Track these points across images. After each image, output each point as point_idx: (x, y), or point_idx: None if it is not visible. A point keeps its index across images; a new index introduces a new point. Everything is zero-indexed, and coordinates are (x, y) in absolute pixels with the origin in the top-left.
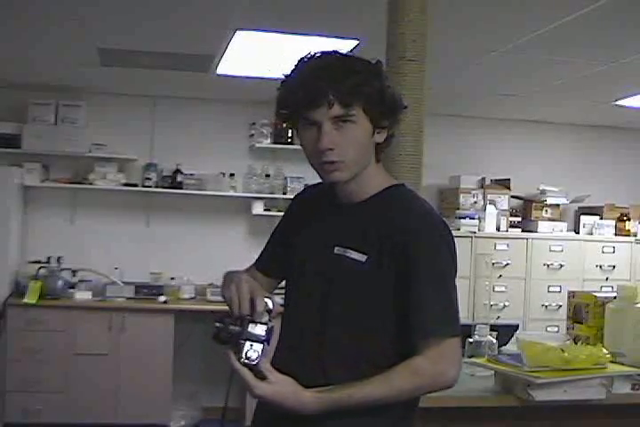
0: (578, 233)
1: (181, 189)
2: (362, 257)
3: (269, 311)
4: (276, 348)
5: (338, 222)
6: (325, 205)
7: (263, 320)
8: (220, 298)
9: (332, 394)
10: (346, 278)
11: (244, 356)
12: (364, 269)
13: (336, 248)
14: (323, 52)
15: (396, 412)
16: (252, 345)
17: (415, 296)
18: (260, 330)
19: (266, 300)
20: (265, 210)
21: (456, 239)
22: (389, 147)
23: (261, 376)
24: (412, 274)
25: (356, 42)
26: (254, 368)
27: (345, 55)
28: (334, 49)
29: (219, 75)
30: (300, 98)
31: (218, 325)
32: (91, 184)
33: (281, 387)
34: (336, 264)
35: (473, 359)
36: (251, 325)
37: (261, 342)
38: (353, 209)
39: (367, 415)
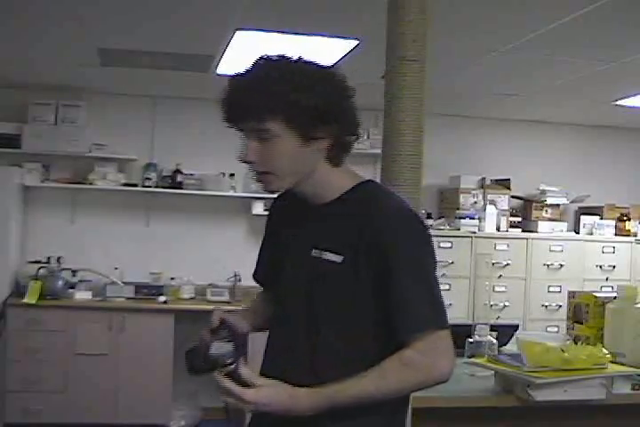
0: (578, 233)
1: (181, 189)
2: (338, 258)
3: (229, 327)
4: (268, 352)
5: (313, 225)
6: (300, 208)
7: (223, 336)
8: (220, 298)
9: (325, 390)
10: (325, 280)
11: (219, 367)
12: (341, 269)
13: (313, 251)
14: (269, 58)
15: (389, 407)
16: (224, 356)
17: (398, 292)
18: (226, 346)
19: (223, 316)
20: (265, 210)
21: (456, 239)
22: (348, 151)
23: (247, 384)
24: (392, 271)
25: (356, 42)
26: (238, 377)
27: (286, 63)
28: (284, 54)
29: (219, 75)
30: (221, 109)
31: (188, 355)
32: (91, 184)
33: (269, 388)
34: (315, 266)
35: (473, 359)
36: (215, 344)
37: (231, 357)
38: (325, 210)
39: (363, 413)
